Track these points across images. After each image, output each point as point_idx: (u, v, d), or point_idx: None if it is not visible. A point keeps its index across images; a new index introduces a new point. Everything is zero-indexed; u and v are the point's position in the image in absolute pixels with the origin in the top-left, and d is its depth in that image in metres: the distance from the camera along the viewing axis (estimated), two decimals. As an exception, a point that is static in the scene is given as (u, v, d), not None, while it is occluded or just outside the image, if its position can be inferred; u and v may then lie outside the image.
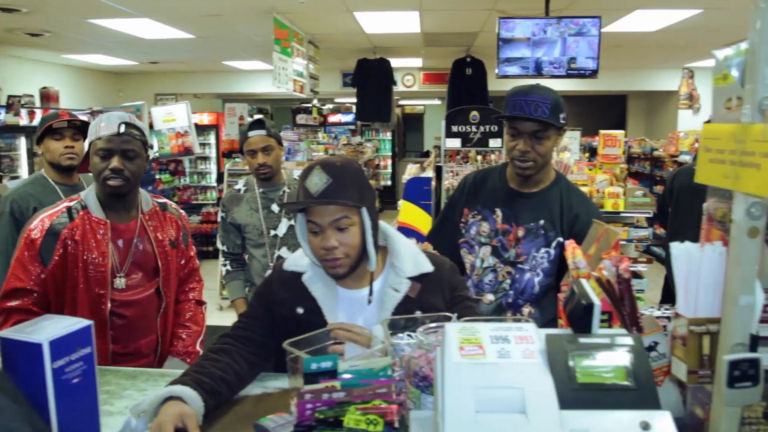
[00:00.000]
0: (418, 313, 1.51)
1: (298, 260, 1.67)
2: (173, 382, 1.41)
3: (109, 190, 1.98)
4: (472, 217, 2.26)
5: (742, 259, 0.92)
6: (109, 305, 1.99)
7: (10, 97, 7.88)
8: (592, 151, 7.74)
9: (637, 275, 4.71)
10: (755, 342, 0.96)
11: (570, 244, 1.32)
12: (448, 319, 1.34)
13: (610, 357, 0.97)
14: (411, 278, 1.61)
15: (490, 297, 2.20)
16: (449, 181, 4.75)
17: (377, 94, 8.14)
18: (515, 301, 2.17)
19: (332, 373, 1.09)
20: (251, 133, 2.95)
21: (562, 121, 2.08)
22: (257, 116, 3.61)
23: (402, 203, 4.55)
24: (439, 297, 1.62)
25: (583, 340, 1.00)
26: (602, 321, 1.29)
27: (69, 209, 2.01)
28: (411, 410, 1.18)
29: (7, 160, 7.93)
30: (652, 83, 11.25)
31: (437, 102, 15.62)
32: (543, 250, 2.13)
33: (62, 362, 0.91)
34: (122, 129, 1.95)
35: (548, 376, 0.95)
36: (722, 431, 0.99)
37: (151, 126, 7.55)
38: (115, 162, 1.93)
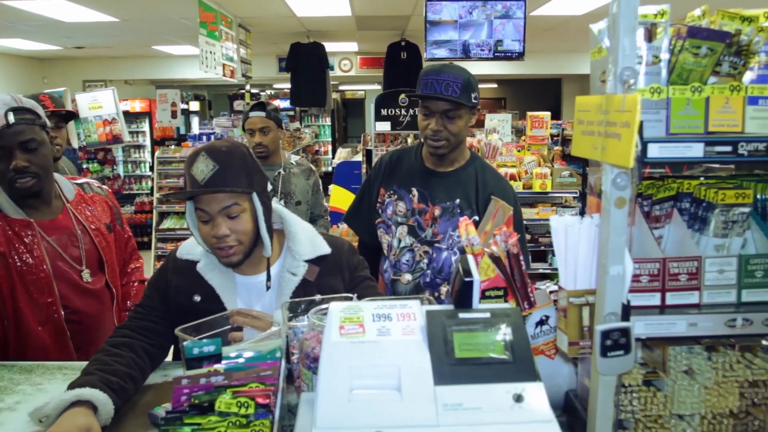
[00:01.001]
0: (317, 297, 1.46)
1: (191, 248, 1.61)
2: (78, 382, 1.31)
3: (21, 193, 1.75)
4: (388, 197, 2.26)
5: (611, 229, 0.93)
6: (62, 312, 1.79)
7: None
8: (520, 134, 7.87)
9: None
10: (627, 311, 0.98)
11: (463, 221, 1.32)
12: (350, 300, 1.32)
13: (489, 331, 0.97)
14: (308, 261, 1.58)
15: (408, 277, 2.21)
16: (381, 165, 4.75)
17: (312, 78, 8.03)
18: (433, 280, 2.18)
19: (216, 358, 1.06)
20: (251, 114, 3.14)
21: (474, 101, 2.10)
22: (261, 98, 3.75)
23: (332, 187, 4.52)
24: (338, 279, 1.61)
25: (462, 315, 1.00)
26: (497, 297, 1.30)
27: None
28: (303, 392, 1.17)
29: None
30: (585, 66, 11.53)
31: (377, 87, 15.60)
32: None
33: None
34: (11, 119, 1.68)
35: (425, 353, 0.95)
36: (600, 400, 1.01)
37: (76, 114, 7.29)
38: (16, 160, 1.69)
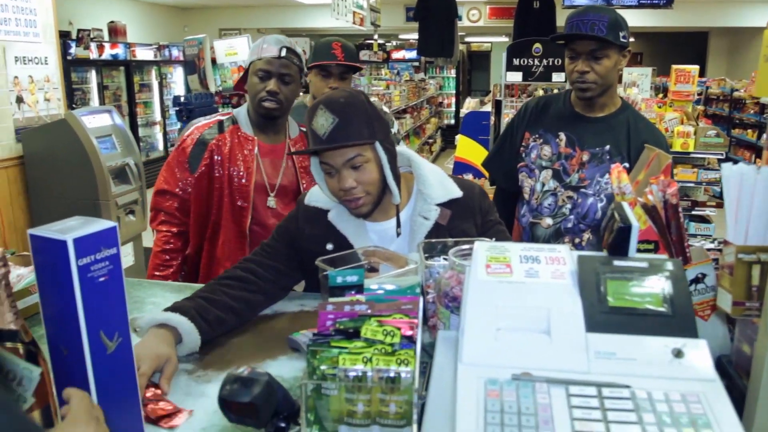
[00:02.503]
0: (450, 240, 1.46)
1: (320, 195, 1.62)
2: (175, 305, 1.38)
3: (263, 112, 2.04)
4: (533, 140, 2.23)
5: (801, 178, 0.83)
6: (249, 219, 2.09)
7: (80, 31, 8.07)
8: (666, 92, 7.34)
9: (705, 219, 4.50)
10: (809, 271, 0.88)
11: (615, 168, 1.25)
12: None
13: (646, 282, 0.91)
14: (440, 205, 1.56)
15: (548, 221, 2.19)
16: (510, 117, 4.60)
17: (440, 28, 7.88)
18: (576, 225, 2.15)
19: (358, 288, 1.08)
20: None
21: (622, 40, 2.02)
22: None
23: (459, 138, 4.44)
24: (470, 222, 1.58)
25: (617, 263, 0.94)
26: (647, 251, 1.23)
27: (220, 122, 2.12)
28: (440, 330, 1.16)
29: (79, 93, 8.21)
30: (736, 18, 10.46)
31: (504, 39, 15.09)
32: (608, 175, 2.09)
33: (87, 260, 0.92)
34: (283, 53, 2.00)
35: (576, 298, 0.91)
36: (767, 368, 0.92)
37: (213, 60, 7.63)
38: (271, 85, 2.00)
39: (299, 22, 11.87)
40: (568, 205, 2.15)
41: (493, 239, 1.36)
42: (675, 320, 0.87)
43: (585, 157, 2.13)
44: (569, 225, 2.15)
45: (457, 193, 1.59)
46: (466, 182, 1.68)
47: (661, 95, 7.33)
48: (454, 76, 13.91)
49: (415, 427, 0.86)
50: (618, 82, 5.34)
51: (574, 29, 2.00)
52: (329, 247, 1.56)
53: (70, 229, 0.93)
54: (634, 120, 2.14)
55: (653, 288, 0.91)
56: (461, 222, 1.58)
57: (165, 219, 2.14)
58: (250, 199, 2.09)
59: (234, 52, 7.34)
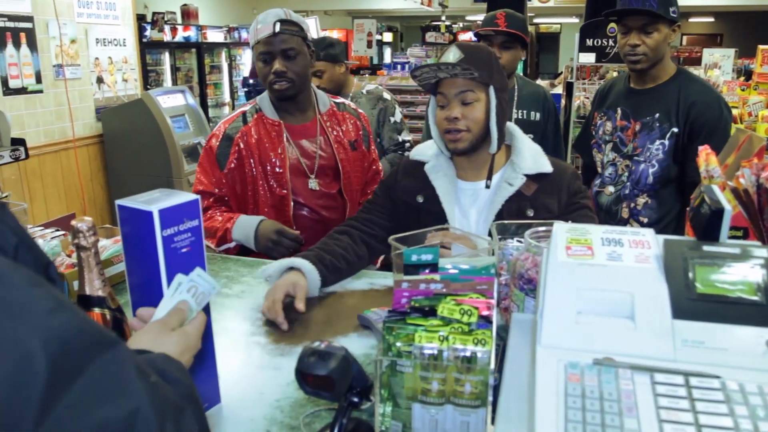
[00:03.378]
0: (529, 213, 1.58)
1: (423, 150, 1.75)
2: (297, 256, 1.57)
3: (276, 94, 1.97)
4: (599, 119, 2.46)
5: None
6: (292, 206, 2.01)
7: (154, 14, 8.30)
8: (749, 74, 6.96)
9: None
10: None
11: (703, 150, 1.19)
12: (561, 226, 1.27)
13: (739, 269, 0.87)
14: (528, 176, 1.63)
15: (611, 189, 2.40)
16: (580, 99, 4.47)
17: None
18: (632, 191, 2.34)
19: (433, 266, 1.07)
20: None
21: (672, 14, 2.14)
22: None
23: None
24: (554, 199, 1.61)
25: (707, 248, 0.90)
26: (736, 237, 1.17)
27: (244, 114, 2.05)
28: (514, 312, 1.15)
29: (153, 74, 8.47)
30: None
31: (575, 20, 14.63)
32: (658, 142, 2.25)
33: (171, 231, 0.95)
34: (277, 28, 1.89)
35: (662, 283, 0.87)
36: None
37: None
38: (276, 65, 1.91)
39: (366, 4, 11.85)
40: (626, 174, 2.33)
41: (570, 221, 1.33)
42: (770, 310, 0.83)
43: (637, 127, 2.29)
44: (626, 191, 2.33)
45: (547, 168, 1.64)
46: (561, 163, 1.73)
47: (743, 78, 6.96)
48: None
49: (489, 408, 0.86)
50: (695, 66, 5.13)
51: (626, 4, 2.13)
52: (419, 199, 1.69)
53: (156, 201, 0.97)
54: (686, 84, 2.24)
55: (746, 275, 0.86)
56: (545, 196, 1.62)
57: (209, 214, 2.03)
58: (288, 185, 2.00)
59: (302, 33, 7.42)
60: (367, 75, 7.48)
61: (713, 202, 0.93)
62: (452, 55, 1.56)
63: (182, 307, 0.90)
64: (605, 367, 0.78)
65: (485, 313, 0.90)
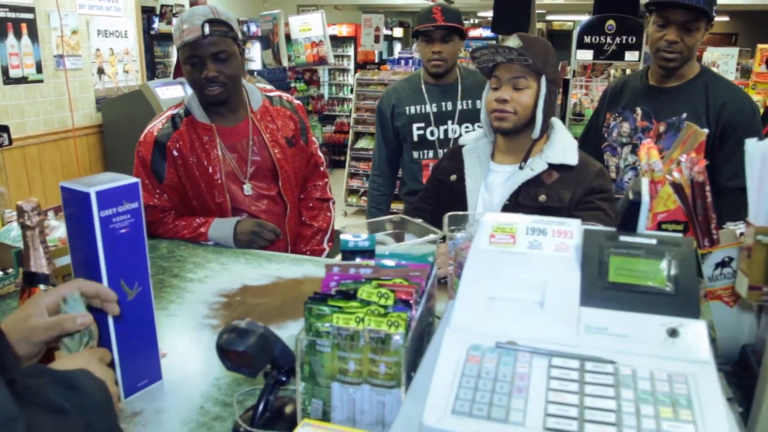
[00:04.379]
0: (542, 198, 1.65)
1: (468, 136, 1.90)
2: None
3: (210, 100, 1.87)
4: (613, 119, 2.28)
5: (820, 156, 0.78)
6: (230, 213, 1.92)
7: (162, 6, 8.37)
8: (748, 75, 6.89)
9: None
10: (828, 255, 0.83)
11: (645, 144, 1.20)
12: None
13: (651, 259, 0.88)
14: (551, 165, 1.70)
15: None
16: (578, 96, 4.47)
17: (516, 3, 7.67)
18: None
19: (370, 253, 1.10)
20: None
21: (713, 14, 2.01)
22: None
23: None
24: (569, 192, 1.67)
25: (624, 238, 0.92)
26: (676, 231, 1.18)
27: (173, 118, 1.94)
28: (451, 300, 1.17)
29: (161, 66, 8.54)
30: None
31: (588, 18, 14.55)
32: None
33: (109, 212, 0.99)
34: (206, 30, 1.77)
35: (576, 272, 0.89)
36: (777, 352, 0.88)
37: (288, 36, 7.75)
38: (207, 69, 1.80)
39: (376, -1, 11.86)
40: None
41: (579, 215, 1.53)
42: (676, 299, 0.84)
43: (662, 128, 2.14)
44: None
45: (572, 161, 1.71)
46: (591, 160, 1.78)
47: (744, 79, 6.89)
48: (461, 49, 13.56)
49: (403, 389, 0.88)
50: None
51: None
52: (453, 178, 1.83)
53: (96, 183, 1.00)
54: (713, 82, 2.09)
55: (658, 266, 0.88)
56: (562, 187, 1.69)
57: (158, 225, 1.95)
58: (225, 193, 1.91)
59: (308, 27, 7.42)
60: (372, 70, 7.50)
61: (633, 194, 0.95)
62: (512, 42, 1.64)
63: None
64: (506, 350, 0.80)
65: (404, 297, 0.92)
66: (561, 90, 4.67)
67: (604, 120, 2.32)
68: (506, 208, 1.69)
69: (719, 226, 1.13)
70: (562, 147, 1.73)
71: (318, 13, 7.34)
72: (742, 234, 1.17)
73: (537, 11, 9.43)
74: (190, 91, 1.97)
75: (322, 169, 2.19)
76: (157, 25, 8.08)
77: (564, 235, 0.96)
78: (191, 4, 9.18)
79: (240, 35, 1.94)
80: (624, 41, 4.19)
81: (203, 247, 1.86)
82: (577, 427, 0.70)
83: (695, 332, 0.81)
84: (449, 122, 2.56)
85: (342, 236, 1.13)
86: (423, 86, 2.59)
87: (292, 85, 8.12)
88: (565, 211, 1.64)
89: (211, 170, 1.89)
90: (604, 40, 4.24)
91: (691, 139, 1.28)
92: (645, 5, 2.15)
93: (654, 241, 0.91)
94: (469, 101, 2.58)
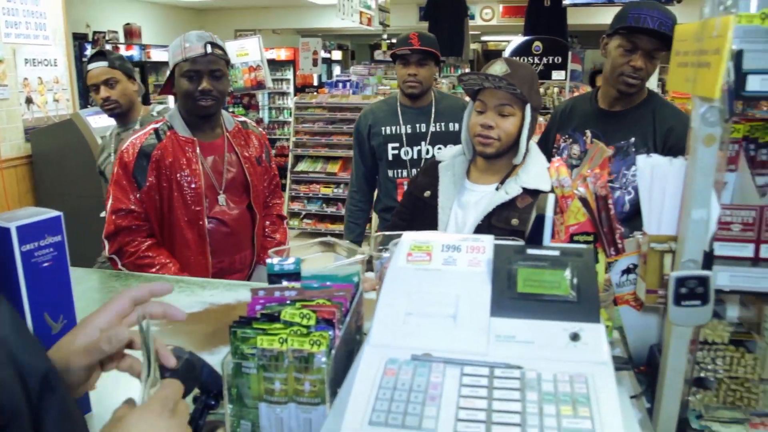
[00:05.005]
0: (514, 222, 1.68)
1: (446, 152, 1.93)
2: None
3: (200, 111, 2.06)
4: (563, 141, 2.31)
5: (696, 169, 0.87)
6: (206, 222, 2.09)
7: (95, 33, 8.24)
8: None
9: None
10: (709, 260, 0.91)
11: (554, 162, 1.28)
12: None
13: (556, 269, 0.95)
14: (526, 189, 1.74)
15: None
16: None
17: (450, 27, 7.90)
18: None
19: (296, 276, 1.13)
20: (90, 66, 2.72)
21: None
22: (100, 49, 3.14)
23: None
24: None
25: (531, 251, 0.98)
26: (587, 242, 1.26)
27: (156, 130, 2.09)
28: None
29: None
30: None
31: (521, 38, 15.03)
32: (633, 167, 2.09)
33: (30, 246, 0.99)
34: (209, 49, 2.00)
35: (487, 285, 0.94)
36: (671, 352, 0.96)
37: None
38: (204, 83, 2.01)
39: (314, 23, 11.97)
40: None
41: None
42: (579, 306, 0.91)
43: (611, 151, 2.16)
44: None
45: (545, 186, 1.71)
46: None
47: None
48: (436, 73, 13.87)
49: (328, 405, 0.91)
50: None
51: (641, 23, 1.96)
52: (426, 194, 1.87)
53: (17, 218, 1.00)
54: (660, 108, 2.15)
55: (562, 275, 0.94)
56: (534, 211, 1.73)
57: (125, 237, 2.04)
58: (203, 202, 2.08)
59: (245, 52, 7.40)
60: (310, 93, 7.55)
61: (539, 210, 1.02)
62: (498, 67, 1.68)
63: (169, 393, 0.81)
64: (421, 362, 0.85)
65: (326, 316, 0.96)
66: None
67: (554, 141, 2.35)
68: (479, 229, 1.74)
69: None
70: (536, 172, 1.77)
71: (255, 38, 7.35)
72: (645, 242, 1.26)
73: (472, 32, 9.73)
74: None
75: (280, 190, 2.46)
76: (89, 51, 7.95)
77: (477, 251, 1.02)
78: (125, 33, 9.08)
79: (230, 60, 2.19)
80: (551, 61, 4.38)
81: (135, 277, 1.85)
82: (485, 429, 0.74)
83: (595, 336, 0.87)
84: (422, 143, 2.71)
85: (267, 260, 1.16)
86: (399, 108, 2.74)
87: (231, 110, 8.07)
88: None
89: (191, 180, 2.07)
90: (532, 61, 4.42)
91: (597, 156, 1.37)
92: (613, 29, 2.11)
93: (557, 253, 0.97)
94: (443, 123, 2.73)
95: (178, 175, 2.05)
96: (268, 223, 2.37)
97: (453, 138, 2.73)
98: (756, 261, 0.95)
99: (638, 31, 1.97)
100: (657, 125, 2.10)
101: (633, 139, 2.11)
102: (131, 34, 9.12)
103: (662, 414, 0.97)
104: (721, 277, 0.92)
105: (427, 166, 1.97)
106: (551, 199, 1.06)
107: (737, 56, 0.81)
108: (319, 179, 6.55)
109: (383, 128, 2.71)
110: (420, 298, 0.94)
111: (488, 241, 1.04)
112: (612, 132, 2.15)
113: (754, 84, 0.83)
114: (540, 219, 0.99)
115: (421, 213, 1.87)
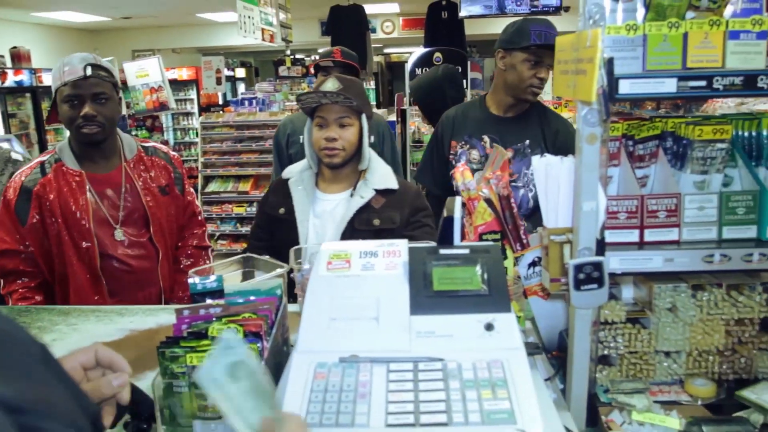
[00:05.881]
0: (376, 222, 1.80)
1: (292, 169, 2.00)
2: None
3: (84, 139, 1.90)
4: (460, 147, 2.38)
5: (583, 165, 0.96)
6: (98, 259, 1.92)
7: (-20, 58, 7.77)
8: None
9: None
10: (602, 246, 1.01)
11: (458, 168, 1.36)
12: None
13: (467, 266, 1.02)
14: (377, 191, 1.87)
15: None
16: (416, 124, 4.76)
17: (352, 41, 8.00)
18: None
19: (219, 293, 1.14)
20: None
21: None
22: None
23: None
24: (398, 213, 1.85)
25: (443, 251, 1.05)
26: (495, 240, 1.35)
27: (42, 164, 1.95)
28: (303, 329, 1.24)
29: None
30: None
31: (423, 50, 15.39)
32: (533, 167, 2.27)
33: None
34: (89, 71, 1.84)
35: (405, 286, 1.00)
36: (577, 334, 1.05)
37: (124, 83, 7.50)
38: (86, 108, 1.85)
39: (215, 41, 11.79)
40: None
41: (414, 234, 1.78)
42: (490, 298, 0.98)
43: (509, 153, 2.27)
44: None
45: (393, 185, 1.90)
46: (408, 183, 2.03)
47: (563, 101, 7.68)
48: (374, 87, 14.10)
49: (261, 415, 0.94)
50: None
51: (545, 39, 2.14)
52: (281, 211, 1.91)
53: None
54: (543, 113, 2.35)
55: (473, 271, 1.01)
56: (390, 210, 1.86)
57: (14, 279, 1.94)
58: (93, 238, 1.92)
59: (145, 73, 7.20)
60: (216, 112, 7.44)
61: (448, 212, 1.09)
62: (331, 84, 1.82)
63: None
64: (349, 363, 0.89)
65: (253, 329, 0.98)
66: (400, 119, 4.95)
67: (449, 148, 2.41)
68: (343, 235, 1.81)
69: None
70: (381, 173, 1.91)
71: (154, 58, 7.17)
72: (547, 236, 1.36)
73: (374, 45, 9.89)
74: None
75: (199, 218, 2.27)
76: (-26, 80, 7.48)
77: (393, 255, 1.07)
78: (12, 57, 8.61)
79: (119, 83, 2.00)
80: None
81: (48, 310, 1.78)
82: (414, 419, 0.80)
83: (507, 324, 0.94)
84: None
85: (189, 279, 1.17)
86: None
87: (134, 133, 7.83)
88: (398, 231, 1.80)
89: (78, 215, 1.91)
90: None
91: (498, 159, 1.47)
92: (518, 45, 2.22)
93: (467, 251, 1.04)
94: None
95: (63, 210, 1.90)
96: (186, 254, 2.20)
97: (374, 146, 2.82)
98: (641, 245, 1.06)
99: (544, 47, 2.15)
100: (545, 128, 2.30)
101: (528, 141, 2.28)
102: (19, 57, 8.65)
103: (574, 391, 1.06)
104: (613, 261, 1.02)
105: (275, 184, 2.03)
106: (458, 201, 1.14)
107: (609, 63, 0.91)
108: (231, 199, 6.45)
109: (301, 137, 2.79)
110: (343, 303, 0.98)
111: (402, 245, 1.10)
112: (507, 136, 2.30)
113: (624, 87, 0.94)
114: (449, 220, 1.06)
115: (278, 230, 1.92)
